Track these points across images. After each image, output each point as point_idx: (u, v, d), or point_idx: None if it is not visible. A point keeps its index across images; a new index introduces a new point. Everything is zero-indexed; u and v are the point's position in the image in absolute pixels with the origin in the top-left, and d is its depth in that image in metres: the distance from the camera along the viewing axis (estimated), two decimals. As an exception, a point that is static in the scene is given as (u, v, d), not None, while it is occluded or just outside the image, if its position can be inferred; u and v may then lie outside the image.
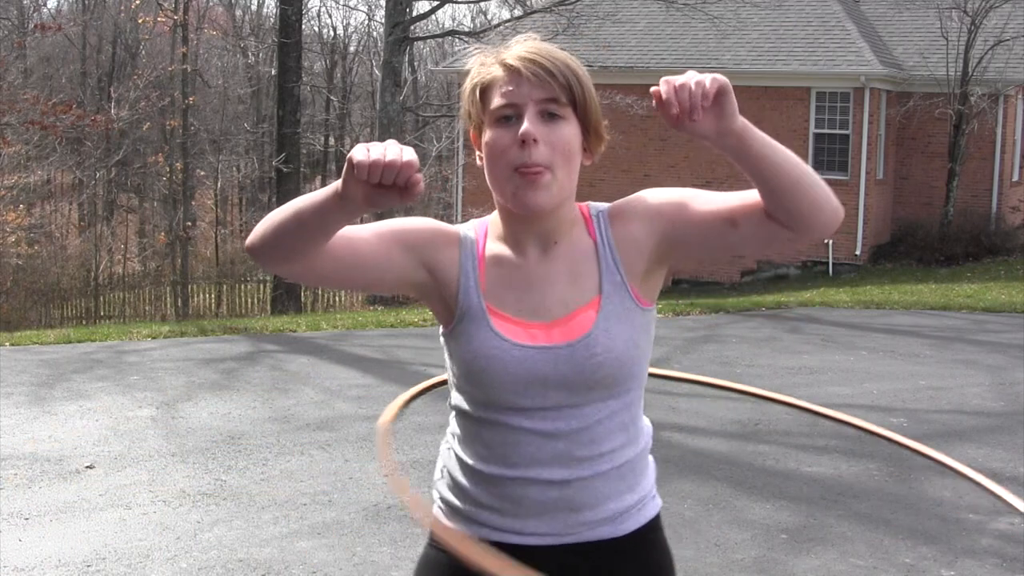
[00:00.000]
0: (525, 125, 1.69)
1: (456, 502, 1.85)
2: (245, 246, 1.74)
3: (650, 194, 1.81)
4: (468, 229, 1.83)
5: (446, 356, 1.83)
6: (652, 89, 1.59)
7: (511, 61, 1.72)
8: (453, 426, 1.87)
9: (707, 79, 1.55)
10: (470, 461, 1.82)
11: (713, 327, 11.13)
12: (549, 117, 1.71)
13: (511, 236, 1.79)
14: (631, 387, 1.80)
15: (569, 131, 1.72)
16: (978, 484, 2.16)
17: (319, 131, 35.37)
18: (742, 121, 1.60)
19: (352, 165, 1.49)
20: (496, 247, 1.80)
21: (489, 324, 1.75)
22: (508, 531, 1.81)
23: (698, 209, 1.75)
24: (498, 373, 1.73)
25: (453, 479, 1.86)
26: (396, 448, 6.03)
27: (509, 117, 1.71)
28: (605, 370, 1.74)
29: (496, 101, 1.72)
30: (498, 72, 1.74)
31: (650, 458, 1.89)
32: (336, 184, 1.55)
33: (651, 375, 1.96)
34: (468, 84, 1.78)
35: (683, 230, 1.76)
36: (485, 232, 1.83)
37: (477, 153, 1.79)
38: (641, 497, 1.86)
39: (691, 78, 1.56)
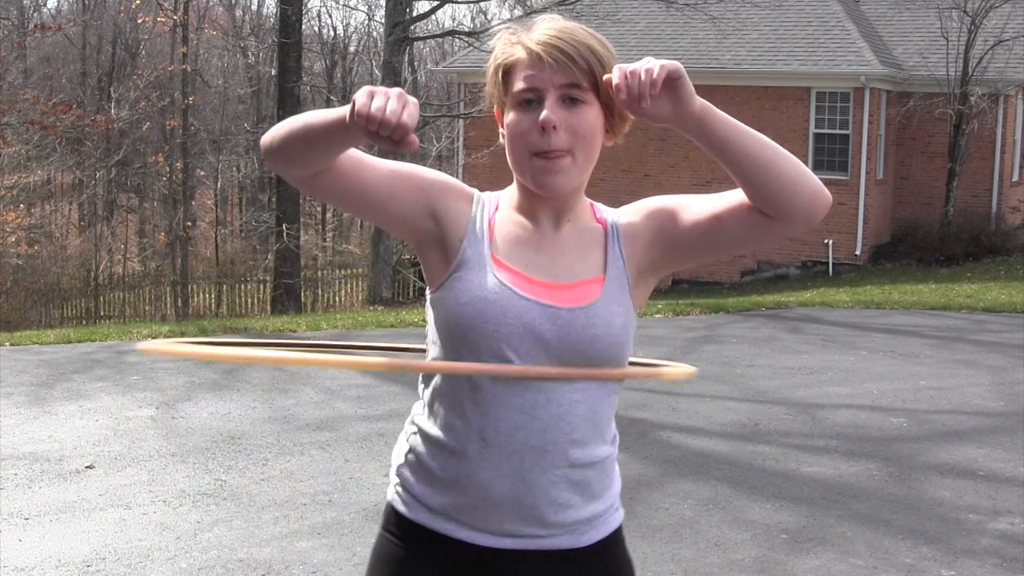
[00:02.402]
0: (545, 112, 1.69)
1: (418, 486, 1.82)
2: (260, 142, 1.77)
3: (654, 198, 1.86)
4: (483, 194, 1.86)
5: (430, 321, 1.80)
6: (605, 77, 1.64)
7: (533, 45, 1.72)
8: (422, 410, 1.84)
9: (656, 66, 1.57)
10: (443, 437, 1.77)
11: (713, 327, 11.13)
12: (570, 102, 1.71)
13: (526, 207, 1.81)
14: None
15: (590, 115, 1.72)
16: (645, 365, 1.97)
17: (319, 131, 35.29)
18: (701, 103, 1.62)
19: (354, 108, 1.51)
20: (509, 212, 1.82)
21: (493, 271, 1.74)
22: (467, 526, 1.77)
23: (691, 209, 1.78)
24: (495, 319, 1.70)
25: (420, 460, 1.82)
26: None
27: (530, 101, 1.72)
28: (599, 344, 1.72)
29: (518, 85, 1.73)
30: (520, 54, 1.74)
31: (616, 468, 1.87)
32: (346, 110, 1.56)
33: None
34: (491, 64, 1.79)
35: (676, 230, 1.78)
36: (499, 199, 1.85)
37: (500, 130, 1.80)
38: (607, 507, 1.83)
39: (642, 65, 1.58)
